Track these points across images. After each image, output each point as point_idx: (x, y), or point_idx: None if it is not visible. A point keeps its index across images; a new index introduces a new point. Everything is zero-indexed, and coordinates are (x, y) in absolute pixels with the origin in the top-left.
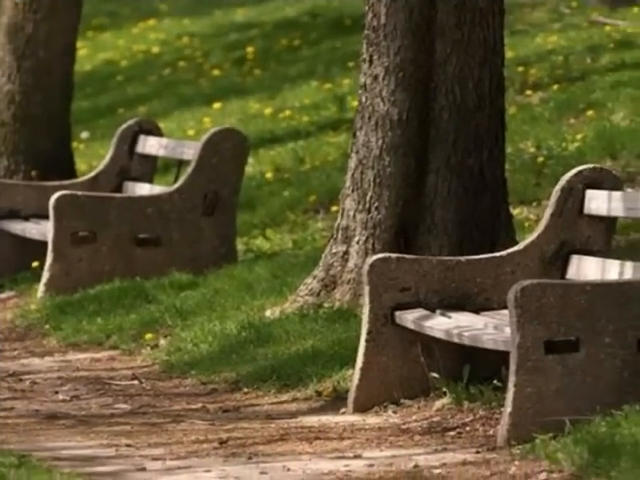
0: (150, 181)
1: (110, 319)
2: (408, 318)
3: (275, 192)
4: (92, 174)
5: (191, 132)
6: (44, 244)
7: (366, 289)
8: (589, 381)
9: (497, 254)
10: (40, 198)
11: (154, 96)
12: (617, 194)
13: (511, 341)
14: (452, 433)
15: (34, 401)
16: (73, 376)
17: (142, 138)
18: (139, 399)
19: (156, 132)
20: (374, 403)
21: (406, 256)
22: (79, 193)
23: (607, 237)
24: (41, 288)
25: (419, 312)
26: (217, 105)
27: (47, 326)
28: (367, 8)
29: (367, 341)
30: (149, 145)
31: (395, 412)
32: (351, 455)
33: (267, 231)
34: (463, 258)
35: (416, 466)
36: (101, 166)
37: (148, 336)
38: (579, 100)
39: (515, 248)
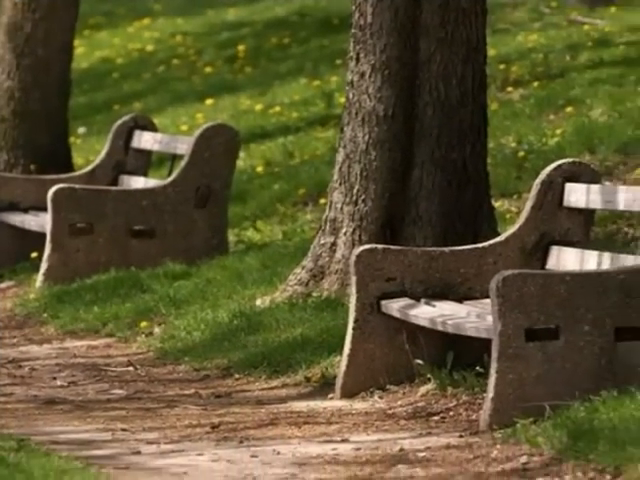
0: (145, 175)
1: (106, 308)
2: (394, 307)
3: (265, 185)
4: (89, 168)
5: (184, 127)
6: (43, 235)
7: (353, 279)
8: (568, 368)
9: (479, 245)
10: (39, 191)
11: (149, 93)
12: (595, 187)
13: (493, 329)
14: (436, 418)
15: (33, 387)
16: (70, 363)
17: (137, 133)
18: (134, 385)
19: (150, 127)
20: (361, 389)
21: (392, 247)
22: (76, 186)
23: (586, 229)
24: (40, 278)
25: (404, 301)
26: (209, 101)
27: (45, 315)
28: (354, 8)
29: (354, 329)
30: (144, 140)
31: (381, 397)
32: (339, 439)
33: (258, 223)
34: (447, 249)
35: (401, 450)
36: (98, 160)
37: (143, 324)
38: (558, 96)
39: (497, 239)
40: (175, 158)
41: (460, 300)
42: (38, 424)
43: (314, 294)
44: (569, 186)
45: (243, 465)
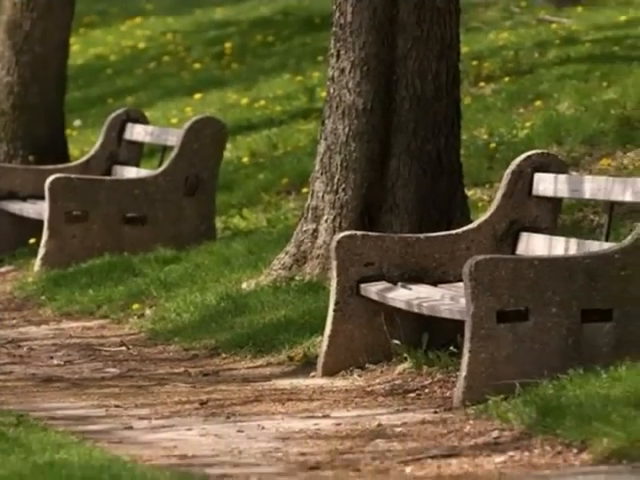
0: (137, 165)
1: (100, 291)
2: (372, 290)
3: (251, 175)
4: (84, 159)
5: (174, 120)
6: (40, 222)
7: (334, 264)
8: (537, 348)
9: (453, 232)
10: (37, 180)
11: (140, 88)
12: (563, 177)
13: (466, 311)
14: (412, 395)
15: (31, 365)
16: (67, 343)
17: (129, 126)
18: (127, 364)
19: (142, 120)
20: (341, 367)
21: (370, 233)
22: (72, 176)
23: (553, 216)
24: (37, 262)
25: (382, 285)
26: (198, 96)
27: (43, 297)
28: (335, 7)
29: (335, 311)
30: (136, 132)
31: (360, 376)
32: (320, 415)
33: (243, 211)
34: (422, 235)
35: (379, 425)
36: (92, 151)
37: (135, 306)
38: (528, 91)
39: (470, 226)
40: (165, 149)
41: (435, 284)
42: (36, 401)
43: (297, 278)
44: (538, 176)
45: (230, 439)
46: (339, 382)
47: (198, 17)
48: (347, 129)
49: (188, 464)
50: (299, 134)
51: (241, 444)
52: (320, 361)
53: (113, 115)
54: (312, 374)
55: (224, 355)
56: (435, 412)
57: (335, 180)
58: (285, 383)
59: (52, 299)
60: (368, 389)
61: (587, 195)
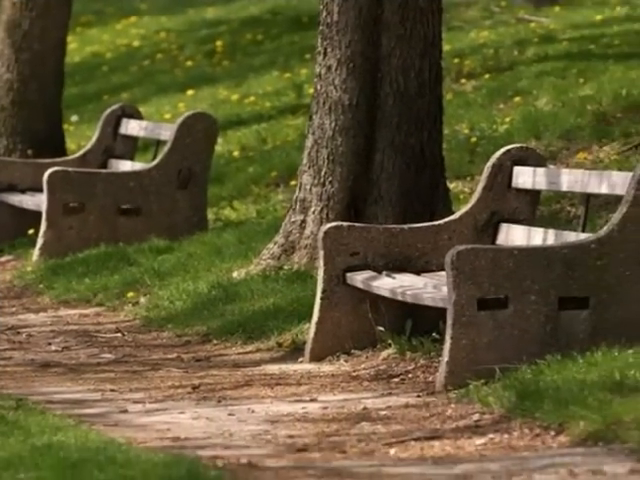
0: (132, 159)
1: (96, 279)
2: (358, 279)
3: (241, 168)
4: (81, 152)
5: (167, 116)
6: (39, 214)
7: (321, 253)
8: (516, 334)
9: (435, 223)
10: (35, 173)
11: (135, 84)
12: (541, 170)
13: (448, 299)
14: (396, 379)
15: (30, 351)
16: (64, 329)
17: (124, 121)
18: (122, 350)
19: (137, 116)
20: (328, 353)
21: (356, 225)
22: (69, 169)
23: (532, 208)
24: (36, 252)
25: (367, 273)
26: (190, 92)
27: (41, 286)
28: (322, 7)
29: (322, 299)
30: (131, 127)
31: (346, 361)
32: (308, 399)
33: (234, 202)
34: (406, 226)
35: (365, 408)
36: (89, 145)
37: (130, 294)
38: (507, 88)
39: (451, 217)
40: (159, 143)
41: (418, 272)
42: (35, 385)
43: (285, 267)
44: (517, 169)
45: (221, 422)
46: (326, 367)
47: (190, 16)
48: (333, 124)
49: (181, 446)
50: (287, 129)
51: (232, 427)
52: (308, 347)
53: (109, 111)
54: (300, 360)
55: (215, 341)
56: (418, 396)
57: (322, 173)
58: (274, 368)
59: (50, 287)
60: (354, 374)
61: (564, 187)
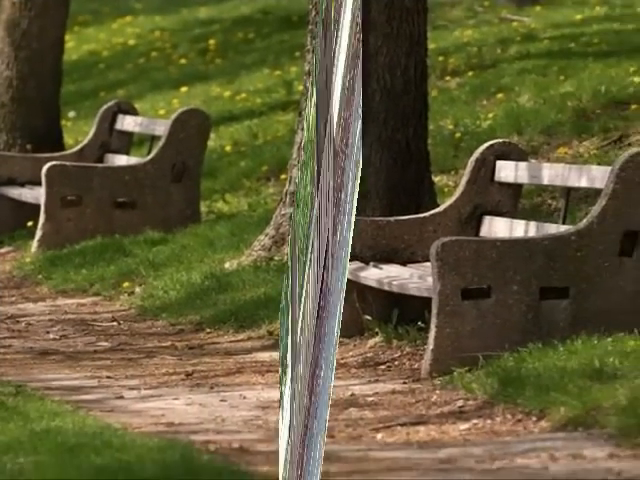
0: (127, 153)
1: (93, 270)
2: None
3: (233, 163)
4: (78, 147)
5: (162, 112)
6: (37, 207)
7: None
8: (499, 323)
9: (421, 215)
10: (34, 168)
11: (130, 81)
12: (523, 164)
13: (433, 289)
14: (383, 367)
15: (29, 340)
16: (62, 318)
17: (120, 117)
18: (118, 338)
19: (132, 112)
20: None
21: None
22: (67, 163)
23: (514, 201)
24: (35, 244)
25: (355, 264)
26: (184, 89)
27: (40, 276)
28: (311, 7)
29: None
30: (126, 123)
31: None
32: None
33: (226, 196)
34: (392, 219)
35: (352, 395)
36: (86, 141)
37: (125, 284)
38: (491, 85)
39: (436, 210)
40: (154, 139)
41: (404, 263)
42: (33, 372)
43: (276, 258)
44: (500, 163)
45: (213, 408)
46: None
47: (184, 16)
48: None
49: (175, 431)
50: (278, 124)
51: (224, 412)
52: None
53: (105, 107)
54: None
55: (208, 330)
56: (404, 383)
57: None
58: (265, 356)
59: (48, 278)
60: (342, 361)
61: (545, 181)
